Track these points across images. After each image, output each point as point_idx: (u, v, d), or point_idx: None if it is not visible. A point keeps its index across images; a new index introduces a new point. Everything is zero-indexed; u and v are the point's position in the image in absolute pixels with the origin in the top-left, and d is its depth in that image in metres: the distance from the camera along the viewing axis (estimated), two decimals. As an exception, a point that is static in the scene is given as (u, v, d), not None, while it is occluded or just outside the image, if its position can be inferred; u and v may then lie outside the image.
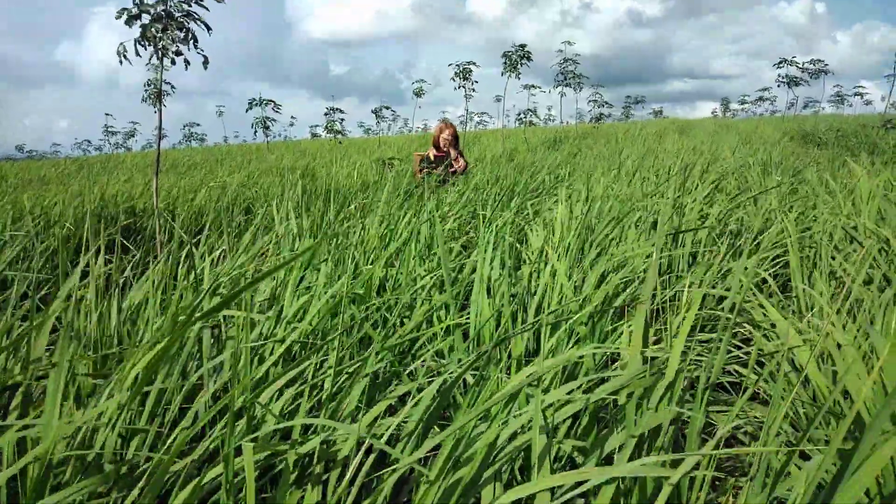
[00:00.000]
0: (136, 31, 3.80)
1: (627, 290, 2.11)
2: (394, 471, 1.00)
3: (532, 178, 4.95)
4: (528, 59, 11.36)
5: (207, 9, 3.86)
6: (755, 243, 3.06)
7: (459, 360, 1.61)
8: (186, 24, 3.87)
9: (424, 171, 5.37)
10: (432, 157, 5.53)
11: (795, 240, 2.20)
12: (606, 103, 20.13)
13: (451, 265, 2.40)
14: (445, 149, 5.54)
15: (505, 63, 11.52)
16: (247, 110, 14.22)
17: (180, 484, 0.91)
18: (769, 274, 2.67)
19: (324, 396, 1.23)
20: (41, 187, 7.32)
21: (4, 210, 5.00)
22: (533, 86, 13.90)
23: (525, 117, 14.17)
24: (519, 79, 12.12)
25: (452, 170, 5.41)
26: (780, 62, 19.92)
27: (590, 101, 20.61)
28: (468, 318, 1.79)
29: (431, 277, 1.97)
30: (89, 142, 31.45)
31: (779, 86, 20.57)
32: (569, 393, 1.14)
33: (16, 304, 1.84)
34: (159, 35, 3.80)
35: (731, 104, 39.12)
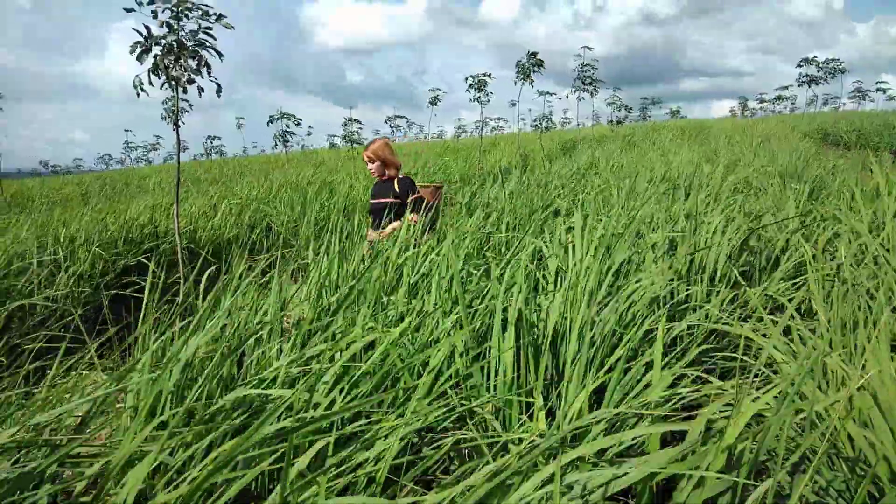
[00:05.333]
0: (149, 62, 3.89)
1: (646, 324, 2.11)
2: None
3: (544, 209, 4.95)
4: (541, 66, 11.36)
5: (215, 38, 3.93)
6: (773, 268, 3.04)
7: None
8: (199, 52, 3.94)
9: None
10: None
11: (819, 277, 2.17)
12: (626, 107, 20.04)
13: (469, 296, 2.42)
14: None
15: (518, 72, 11.54)
16: (268, 124, 14.45)
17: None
18: (788, 299, 2.66)
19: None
20: (66, 209, 7.46)
21: (31, 233, 5.12)
22: (548, 92, 13.90)
23: (541, 124, 14.17)
24: (532, 86, 12.15)
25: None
26: (802, 62, 19.68)
27: (608, 103, 20.53)
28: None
29: (454, 317, 1.99)
30: (110, 156, 31.89)
31: (799, 85, 20.34)
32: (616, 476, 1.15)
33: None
34: (171, 65, 3.87)
35: (749, 102, 38.66)
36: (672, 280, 2.63)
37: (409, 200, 3.97)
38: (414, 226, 3.47)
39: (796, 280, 2.90)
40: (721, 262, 2.92)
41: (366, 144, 4.25)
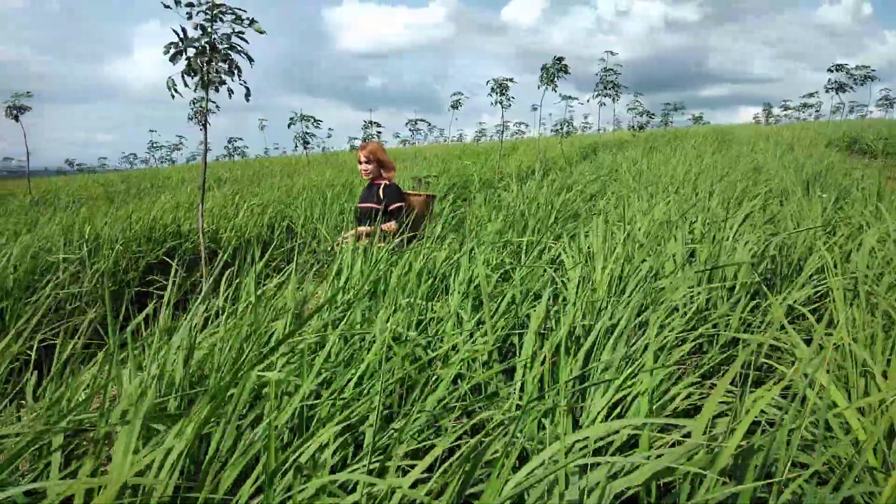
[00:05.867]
0: (182, 64, 3.95)
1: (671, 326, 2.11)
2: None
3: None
4: (566, 72, 11.34)
5: (248, 41, 3.99)
6: (796, 275, 3.01)
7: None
8: (230, 55, 4.01)
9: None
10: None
11: (838, 281, 2.15)
12: (647, 112, 19.88)
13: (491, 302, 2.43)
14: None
15: (542, 76, 11.53)
16: (289, 126, 14.57)
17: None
18: (809, 308, 2.63)
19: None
20: (91, 208, 7.58)
21: (58, 231, 5.22)
22: (570, 97, 13.87)
23: (562, 128, 14.15)
24: (556, 91, 12.13)
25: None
26: (833, 67, 19.33)
27: (630, 109, 20.39)
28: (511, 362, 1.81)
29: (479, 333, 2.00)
30: (135, 155, 32.29)
31: (827, 91, 20.02)
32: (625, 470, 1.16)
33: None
34: (204, 67, 3.94)
35: (774, 109, 38.04)
36: (692, 288, 2.62)
37: (389, 209, 3.91)
38: (389, 234, 3.45)
39: (818, 289, 2.87)
40: (743, 270, 2.90)
41: (361, 145, 4.17)
